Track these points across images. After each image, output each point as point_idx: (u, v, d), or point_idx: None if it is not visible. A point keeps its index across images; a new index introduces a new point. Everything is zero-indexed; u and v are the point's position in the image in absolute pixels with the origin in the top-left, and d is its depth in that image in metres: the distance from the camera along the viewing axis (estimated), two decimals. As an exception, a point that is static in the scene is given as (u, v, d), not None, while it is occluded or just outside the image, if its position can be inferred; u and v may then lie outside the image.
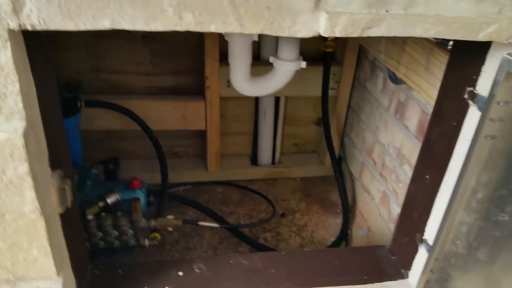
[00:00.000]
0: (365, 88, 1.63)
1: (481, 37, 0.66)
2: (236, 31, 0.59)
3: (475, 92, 0.80)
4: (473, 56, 0.80)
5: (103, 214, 1.25)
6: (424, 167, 1.00)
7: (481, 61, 0.77)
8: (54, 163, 0.78)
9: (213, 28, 0.59)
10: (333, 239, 1.60)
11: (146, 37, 1.56)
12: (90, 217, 1.22)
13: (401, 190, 1.37)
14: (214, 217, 1.64)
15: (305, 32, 0.62)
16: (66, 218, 0.84)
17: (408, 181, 1.09)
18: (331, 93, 1.68)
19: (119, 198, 1.27)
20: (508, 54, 0.66)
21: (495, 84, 0.70)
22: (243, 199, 1.79)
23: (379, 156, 1.53)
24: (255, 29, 0.60)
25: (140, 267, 1.08)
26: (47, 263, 0.78)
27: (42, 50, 0.72)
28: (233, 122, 1.83)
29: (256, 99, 1.77)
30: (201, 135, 1.79)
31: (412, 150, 1.30)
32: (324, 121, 1.69)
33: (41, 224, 0.73)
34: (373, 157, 1.58)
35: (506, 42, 0.67)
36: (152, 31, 0.60)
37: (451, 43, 0.89)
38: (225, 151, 1.88)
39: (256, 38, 1.22)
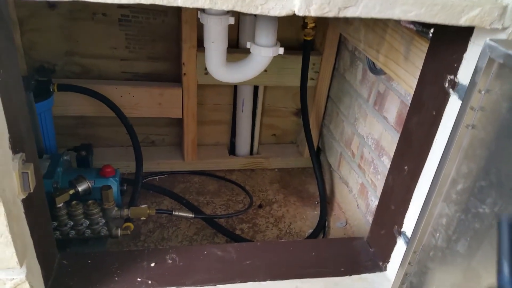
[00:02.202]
0: (344, 79, 1.61)
1: (463, 21, 0.64)
2: (205, 6, 0.56)
3: (456, 80, 0.78)
4: (455, 44, 0.78)
5: (74, 202, 1.21)
6: (403, 158, 0.98)
7: (463, 48, 0.75)
8: (16, 146, 0.74)
9: (180, 2, 0.55)
10: (310, 230, 1.58)
11: (122, 21, 1.51)
12: (60, 205, 1.18)
13: (380, 182, 1.36)
14: (190, 207, 1.61)
15: (279, 10, 0.59)
16: (29, 204, 0.80)
17: (386, 173, 1.08)
18: (310, 83, 1.65)
19: (89, 185, 1.23)
20: (491, 39, 0.64)
21: (476, 71, 0.68)
22: (220, 189, 1.76)
23: (357, 147, 1.52)
24: (226, 4, 0.57)
25: (111, 257, 1.05)
26: (8, 252, 0.74)
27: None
28: (211, 111, 1.79)
29: (235, 88, 1.74)
30: (178, 123, 1.75)
31: (391, 142, 1.28)
32: (303, 112, 1.66)
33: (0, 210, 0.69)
34: (352, 148, 1.56)
35: (489, 27, 0.65)
36: (113, 3, 0.56)
37: (431, 31, 0.87)
38: (203, 140, 1.85)
39: (232, 22, 1.18)
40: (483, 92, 0.69)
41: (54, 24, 1.47)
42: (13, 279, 0.78)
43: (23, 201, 0.78)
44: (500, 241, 0.35)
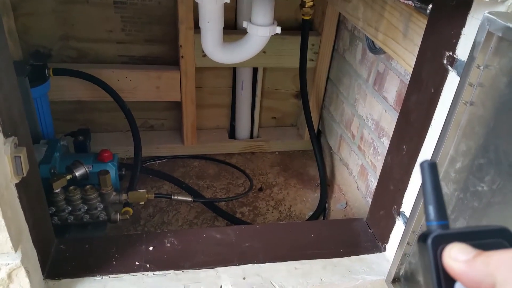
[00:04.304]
0: (344, 59, 1.59)
1: (461, -7, 0.62)
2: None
3: (455, 56, 0.76)
4: (453, 19, 0.76)
5: (71, 187, 1.20)
6: (401, 138, 0.97)
7: (461, 23, 0.73)
8: (8, 130, 0.73)
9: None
10: (310, 213, 1.57)
11: (117, 3, 1.49)
12: (57, 190, 1.17)
13: (379, 163, 1.35)
14: (190, 192, 1.60)
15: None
16: (23, 189, 0.79)
17: (386, 153, 1.07)
18: (309, 64, 1.63)
19: (87, 170, 1.22)
20: (490, 12, 0.62)
21: (475, 45, 0.67)
22: (220, 173, 1.75)
23: (357, 129, 1.50)
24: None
25: (109, 242, 1.05)
26: (2, 237, 0.74)
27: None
28: (210, 94, 1.78)
29: (234, 71, 1.72)
30: (177, 107, 1.74)
31: (391, 122, 1.27)
32: (302, 94, 1.65)
33: (-9, 195, 0.68)
34: (352, 130, 1.55)
35: (488, 0, 0.63)
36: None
37: (430, 6, 0.85)
38: (202, 124, 1.84)
39: (228, 0, 1.16)
40: (481, 67, 0.68)
41: (48, 8, 1.45)
42: (8, 264, 0.78)
43: (17, 185, 0.77)
44: (424, 187, 0.35)
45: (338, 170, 1.70)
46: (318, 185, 1.71)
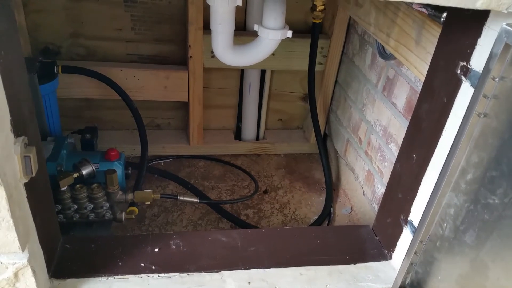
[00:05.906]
0: (353, 64, 1.58)
1: (479, 4, 0.61)
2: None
3: (469, 67, 0.75)
4: (468, 29, 0.75)
5: (78, 185, 1.20)
6: (411, 146, 0.96)
7: (477, 33, 0.73)
8: (18, 129, 0.73)
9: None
10: (315, 217, 1.57)
11: (127, 2, 1.48)
12: (64, 188, 1.17)
13: (386, 170, 1.34)
14: (195, 192, 1.60)
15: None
16: (32, 188, 0.79)
17: (394, 160, 1.06)
18: (318, 67, 1.63)
19: (94, 169, 1.22)
20: (508, 24, 0.62)
21: (491, 57, 0.66)
22: (226, 174, 1.75)
23: (365, 134, 1.50)
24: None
25: (115, 242, 1.04)
26: (10, 237, 0.74)
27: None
28: (217, 95, 1.77)
29: (242, 72, 1.72)
30: (184, 107, 1.74)
31: (399, 128, 1.26)
32: (310, 97, 1.64)
33: (1, 194, 0.68)
34: (359, 135, 1.54)
35: (506, 11, 0.63)
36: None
37: (444, 15, 0.84)
38: (209, 124, 1.83)
39: (240, 3, 1.15)
40: (497, 79, 0.67)
41: (58, 5, 1.45)
42: (15, 263, 0.77)
43: (25, 185, 0.77)
44: None
45: (344, 175, 1.69)
46: (323, 189, 1.70)
